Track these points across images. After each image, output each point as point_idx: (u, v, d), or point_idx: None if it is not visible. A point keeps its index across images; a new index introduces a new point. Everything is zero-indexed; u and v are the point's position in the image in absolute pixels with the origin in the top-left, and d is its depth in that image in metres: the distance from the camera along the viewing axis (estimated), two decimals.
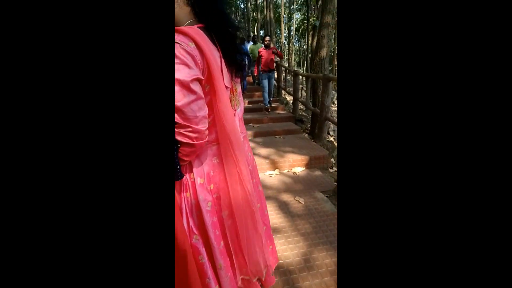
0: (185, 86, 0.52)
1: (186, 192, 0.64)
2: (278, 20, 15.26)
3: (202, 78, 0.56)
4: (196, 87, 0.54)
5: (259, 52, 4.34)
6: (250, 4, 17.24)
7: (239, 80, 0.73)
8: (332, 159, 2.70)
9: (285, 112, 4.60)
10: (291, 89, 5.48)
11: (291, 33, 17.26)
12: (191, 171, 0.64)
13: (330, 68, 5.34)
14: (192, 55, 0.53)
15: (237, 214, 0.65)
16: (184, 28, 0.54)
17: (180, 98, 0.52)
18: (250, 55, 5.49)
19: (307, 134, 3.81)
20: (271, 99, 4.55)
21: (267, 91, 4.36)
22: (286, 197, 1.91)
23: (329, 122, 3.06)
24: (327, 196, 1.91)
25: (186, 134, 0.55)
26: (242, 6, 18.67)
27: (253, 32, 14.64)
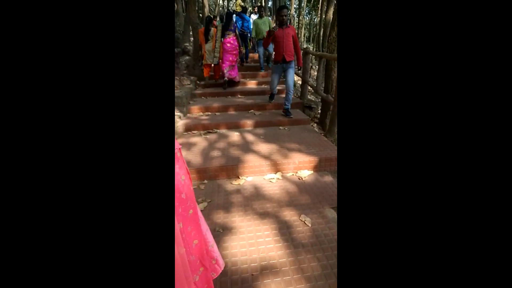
0: None
1: None
2: None
3: None
4: None
5: (271, 33, 2.80)
6: None
7: None
8: None
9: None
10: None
11: (302, 4, 15.75)
12: None
13: None
14: None
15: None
16: None
17: None
18: (253, 31, 4.98)
19: (315, 124, 3.34)
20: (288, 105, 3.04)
21: (275, 85, 3.11)
22: (289, 215, 1.53)
23: None
24: None
25: None
26: None
27: (260, 3, 13.35)
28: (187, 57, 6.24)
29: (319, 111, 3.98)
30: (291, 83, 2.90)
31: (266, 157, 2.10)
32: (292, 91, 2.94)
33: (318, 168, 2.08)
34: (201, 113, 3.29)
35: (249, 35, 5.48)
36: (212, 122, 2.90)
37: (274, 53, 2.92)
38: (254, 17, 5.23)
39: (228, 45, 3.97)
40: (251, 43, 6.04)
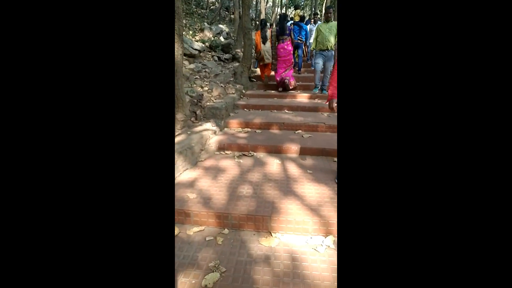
0: None
1: None
2: None
3: None
4: None
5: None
6: None
7: None
8: None
9: None
10: None
11: None
12: None
13: None
14: None
15: None
16: None
17: None
18: (314, 40, 4.09)
19: None
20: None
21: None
22: None
23: None
24: None
25: None
26: None
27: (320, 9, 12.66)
28: (236, 64, 6.03)
29: None
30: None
31: (312, 207, 1.49)
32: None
33: None
34: (240, 129, 2.85)
35: (305, 43, 5.01)
36: (250, 142, 2.42)
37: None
38: (310, 27, 4.59)
39: (282, 50, 3.92)
40: (305, 52, 5.50)
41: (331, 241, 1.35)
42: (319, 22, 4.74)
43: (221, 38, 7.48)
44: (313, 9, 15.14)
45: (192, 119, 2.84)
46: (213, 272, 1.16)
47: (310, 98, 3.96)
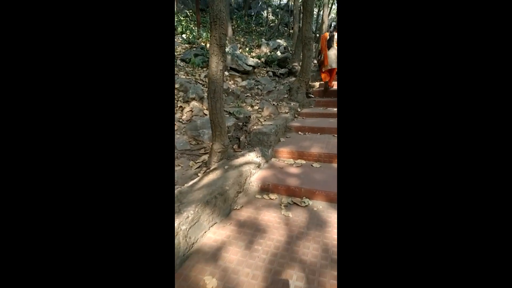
0: None
1: None
2: None
3: None
4: None
5: None
6: None
7: None
8: None
9: None
10: None
11: None
12: None
13: None
14: None
15: None
16: None
17: None
18: None
19: None
20: None
21: None
22: None
23: None
24: None
25: None
26: None
27: None
28: (292, 79, 5.50)
29: None
30: None
31: None
32: None
33: None
34: (292, 161, 2.24)
35: None
36: (304, 182, 1.78)
37: None
38: None
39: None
40: None
41: None
42: None
43: (278, 53, 7.17)
44: None
45: (234, 147, 2.40)
46: None
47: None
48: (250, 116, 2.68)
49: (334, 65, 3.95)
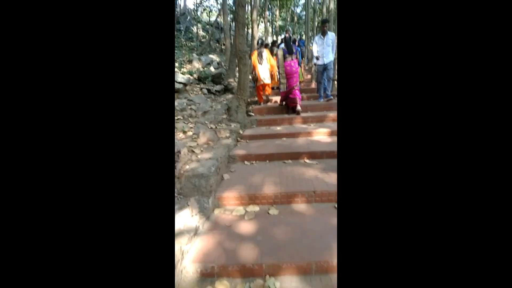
0: None
1: None
2: None
3: None
4: None
5: None
6: None
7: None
8: None
9: None
10: None
11: None
12: None
13: None
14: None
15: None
16: None
17: None
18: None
19: None
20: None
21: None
22: None
23: None
24: None
25: None
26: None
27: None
28: (230, 96, 5.08)
29: None
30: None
31: None
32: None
33: None
34: (241, 209, 1.69)
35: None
36: (264, 247, 1.25)
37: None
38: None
39: (288, 68, 3.85)
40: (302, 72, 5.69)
41: None
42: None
43: (211, 68, 6.69)
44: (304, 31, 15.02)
45: None
46: None
47: (331, 134, 2.90)
48: (180, 151, 2.02)
49: (267, 81, 4.19)
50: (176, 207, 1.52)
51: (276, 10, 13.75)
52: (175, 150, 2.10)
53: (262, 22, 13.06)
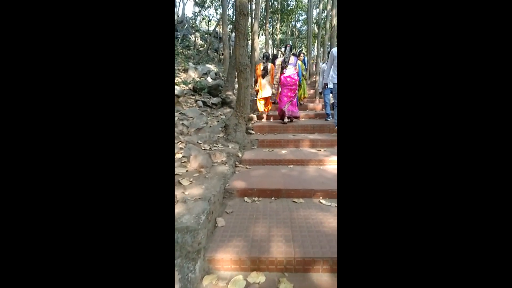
0: None
1: None
2: None
3: None
4: None
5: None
6: None
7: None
8: None
9: None
10: None
11: None
12: None
13: None
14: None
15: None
16: None
17: None
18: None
19: None
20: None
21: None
22: None
23: None
24: None
25: None
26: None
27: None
28: (227, 110, 4.67)
29: None
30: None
31: None
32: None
33: None
34: (240, 278, 1.21)
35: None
36: None
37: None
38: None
39: (288, 79, 3.75)
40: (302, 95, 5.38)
41: None
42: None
43: (208, 79, 6.32)
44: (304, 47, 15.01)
45: None
46: None
47: None
48: None
49: (265, 95, 4.05)
50: None
51: (277, 23, 13.76)
52: None
53: (262, 34, 12.99)
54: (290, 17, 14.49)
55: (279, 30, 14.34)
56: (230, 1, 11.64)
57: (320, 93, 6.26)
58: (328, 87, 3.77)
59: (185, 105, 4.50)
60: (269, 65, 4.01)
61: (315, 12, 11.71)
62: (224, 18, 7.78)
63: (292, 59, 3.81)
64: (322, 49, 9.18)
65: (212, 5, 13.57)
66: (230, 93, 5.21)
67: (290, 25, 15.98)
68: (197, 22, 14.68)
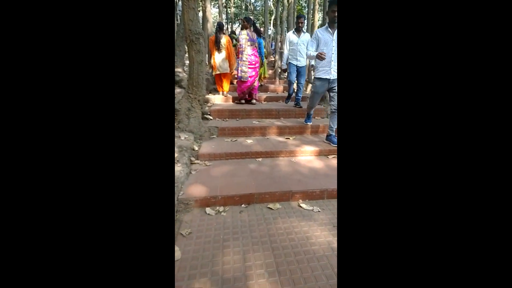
0: None
1: None
2: None
3: None
4: None
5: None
6: None
7: None
8: None
9: None
10: None
11: None
12: None
13: None
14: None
15: None
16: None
17: None
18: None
19: None
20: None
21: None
22: None
23: None
24: None
25: None
26: None
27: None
28: (178, 90, 3.92)
29: None
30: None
31: None
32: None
33: None
34: None
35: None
36: None
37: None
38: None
39: (253, 57, 3.37)
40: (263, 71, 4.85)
41: None
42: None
43: None
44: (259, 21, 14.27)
45: None
46: None
47: (320, 154, 2.24)
48: None
49: (222, 70, 3.69)
50: None
51: None
52: None
53: (214, 6, 11.70)
54: None
55: (232, 2, 13.18)
56: None
57: (280, 73, 5.95)
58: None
59: None
60: (224, 38, 3.61)
61: None
62: None
63: (254, 35, 3.40)
64: (280, 28, 8.72)
65: None
66: (179, 70, 4.39)
67: None
68: None
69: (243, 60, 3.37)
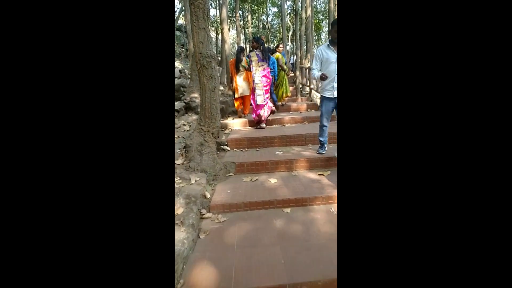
0: None
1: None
2: None
3: None
4: None
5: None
6: None
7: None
8: None
9: None
10: None
11: None
12: None
13: None
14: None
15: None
16: None
17: None
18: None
19: None
20: None
21: None
22: None
23: None
24: None
25: None
26: None
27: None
28: (194, 117, 3.64)
29: None
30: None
31: None
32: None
33: None
34: None
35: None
36: None
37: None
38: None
39: (265, 79, 3.19)
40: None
41: None
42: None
43: None
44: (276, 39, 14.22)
45: None
46: None
47: None
48: None
49: (246, 93, 3.43)
50: None
51: (247, 15, 12.77)
52: None
53: (232, 28, 11.93)
54: (262, 7, 13.59)
55: (250, 22, 13.37)
56: None
57: (302, 89, 5.49)
58: (330, 96, 2.11)
59: None
60: (244, 59, 3.41)
61: (288, 3, 10.93)
62: (186, 6, 6.61)
63: (264, 55, 3.23)
64: (300, 43, 8.39)
65: None
66: (195, 95, 4.17)
67: (261, 18, 15.11)
68: None
69: (256, 83, 3.15)
